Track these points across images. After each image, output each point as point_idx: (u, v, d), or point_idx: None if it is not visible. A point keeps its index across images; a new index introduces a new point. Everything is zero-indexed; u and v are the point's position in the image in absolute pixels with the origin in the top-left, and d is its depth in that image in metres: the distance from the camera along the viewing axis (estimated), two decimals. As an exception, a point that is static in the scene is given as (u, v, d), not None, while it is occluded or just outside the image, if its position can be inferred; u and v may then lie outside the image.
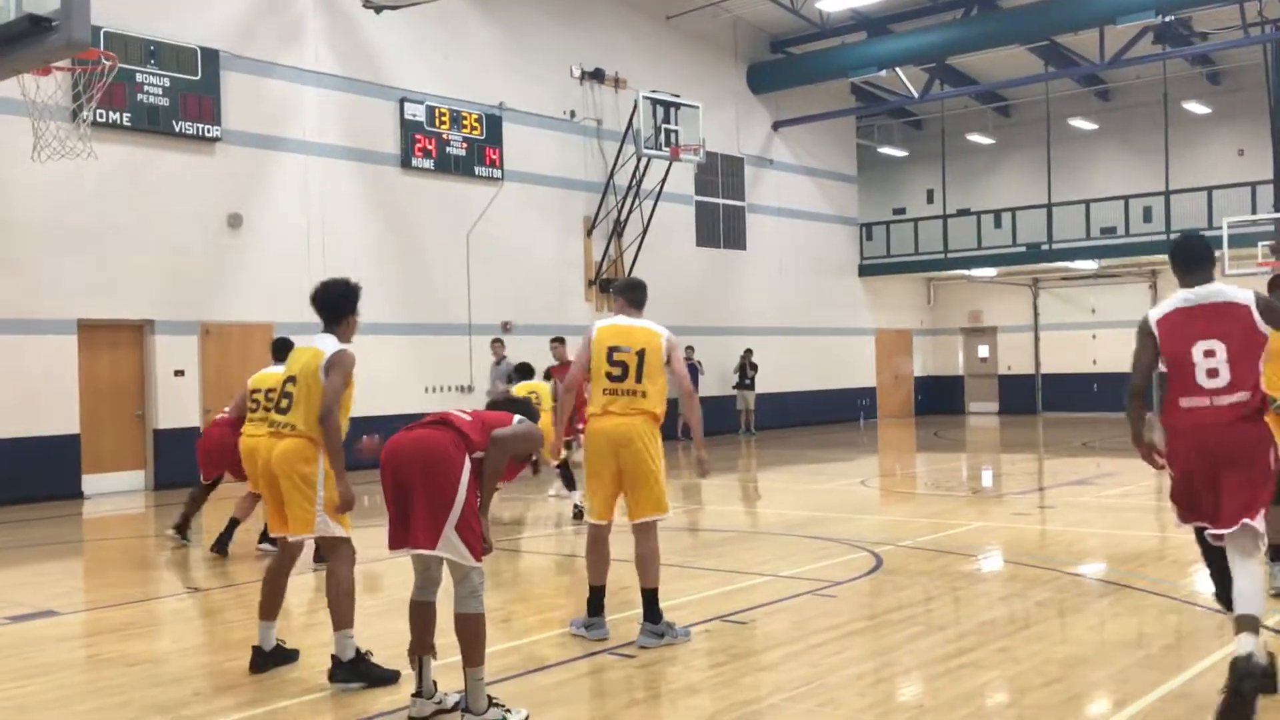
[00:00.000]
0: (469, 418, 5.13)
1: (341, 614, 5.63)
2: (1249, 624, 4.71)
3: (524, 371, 12.45)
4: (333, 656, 5.63)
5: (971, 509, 12.54)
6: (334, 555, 5.79)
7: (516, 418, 5.27)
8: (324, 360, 5.69)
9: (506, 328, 19.70)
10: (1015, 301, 31.18)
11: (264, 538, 9.47)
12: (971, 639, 6.30)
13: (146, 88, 15.65)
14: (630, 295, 6.63)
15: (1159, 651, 6.02)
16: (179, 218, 16.12)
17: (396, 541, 4.98)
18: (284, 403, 5.83)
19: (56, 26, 5.65)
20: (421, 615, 5.11)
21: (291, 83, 17.55)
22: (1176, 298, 5.19)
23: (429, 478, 4.86)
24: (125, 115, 15.39)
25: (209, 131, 16.31)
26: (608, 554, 6.52)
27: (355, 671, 5.59)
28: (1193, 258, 5.21)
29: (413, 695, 5.08)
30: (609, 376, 6.31)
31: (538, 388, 11.56)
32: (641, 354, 6.32)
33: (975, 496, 13.99)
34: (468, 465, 4.93)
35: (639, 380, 6.29)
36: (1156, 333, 5.16)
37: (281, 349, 8.67)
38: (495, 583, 8.20)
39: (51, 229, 14.88)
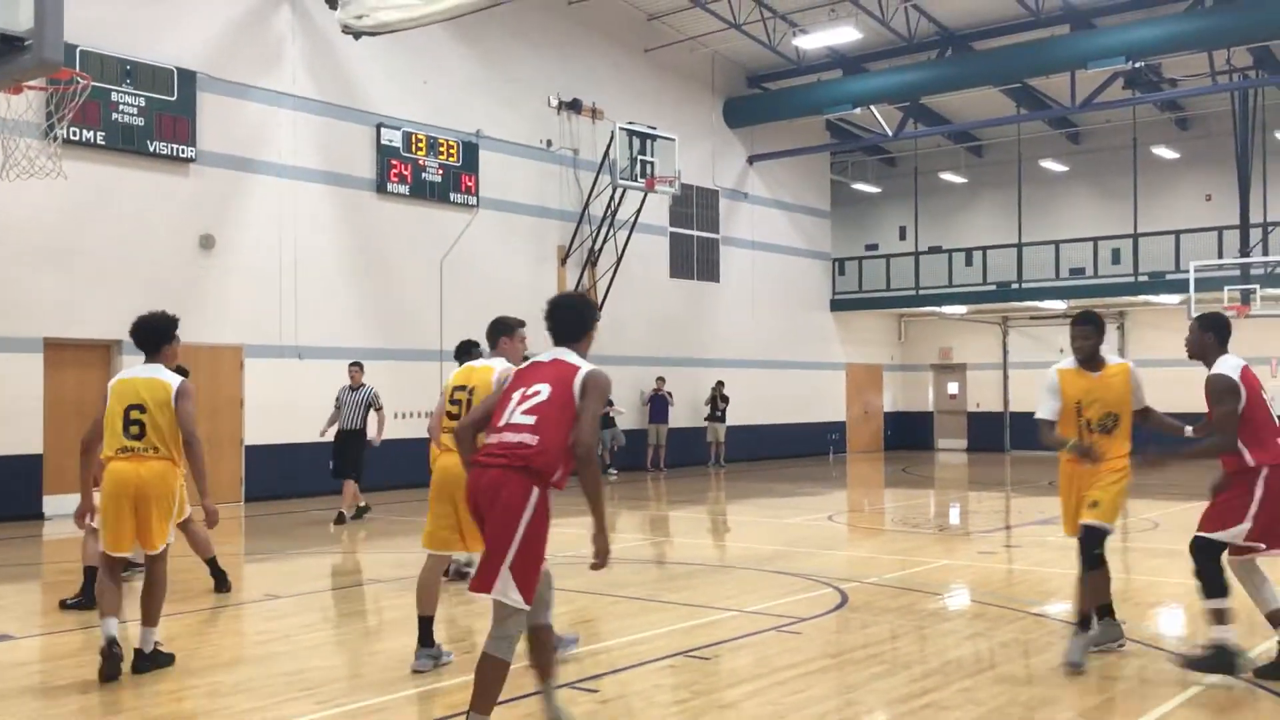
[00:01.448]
0: (536, 443, 4.65)
1: (157, 613, 6.48)
2: None
3: (463, 355, 9.41)
4: (137, 650, 6.38)
5: (938, 546, 12.57)
6: (162, 562, 6.55)
7: (577, 380, 4.77)
8: (174, 391, 6.47)
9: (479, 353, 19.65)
10: (985, 339, 31.43)
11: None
12: (935, 679, 6.30)
13: (121, 107, 15.58)
14: (489, 339, 6.91)
15: (1120, 695, 6.04)
16: (151, 238, 16.01)
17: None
18: (134, 429, 6.41)
19: (29, 46, 5.59)
20: (535, 644, 4.95)
21: (268, 105, 17.52)
22: (1237, 357, 6.41)
23: (495, 520, 4.65)
24: (99, 134, 15.31)
25: (183, 152, 16.25)
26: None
27: (155, 661, 6.43)
28: (1230, 330, 6.55)
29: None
30: (449, 415, 6.63)
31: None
32: (472, 392, 6.58)
33: (942, 534, 14.02)
34: (534, 499, 4.62)
35: None
36: (1244, 387, 6.26)
37: None
38: (466, 613, 8.14)
39: (20, 246, 14.75)
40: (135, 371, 6.63)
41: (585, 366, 4.86)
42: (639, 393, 23.63)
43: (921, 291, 29.82)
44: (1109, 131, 29.47)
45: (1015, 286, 28.30)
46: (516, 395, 4.82)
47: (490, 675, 4.65)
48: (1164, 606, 8.81)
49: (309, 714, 5.65)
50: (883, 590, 9.20)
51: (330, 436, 14.59)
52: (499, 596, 4.60)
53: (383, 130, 18.98)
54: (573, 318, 5.07)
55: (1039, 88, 26.45)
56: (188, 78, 16.34)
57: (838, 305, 30.33)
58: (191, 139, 16.36)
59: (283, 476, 17.04)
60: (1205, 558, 6.29)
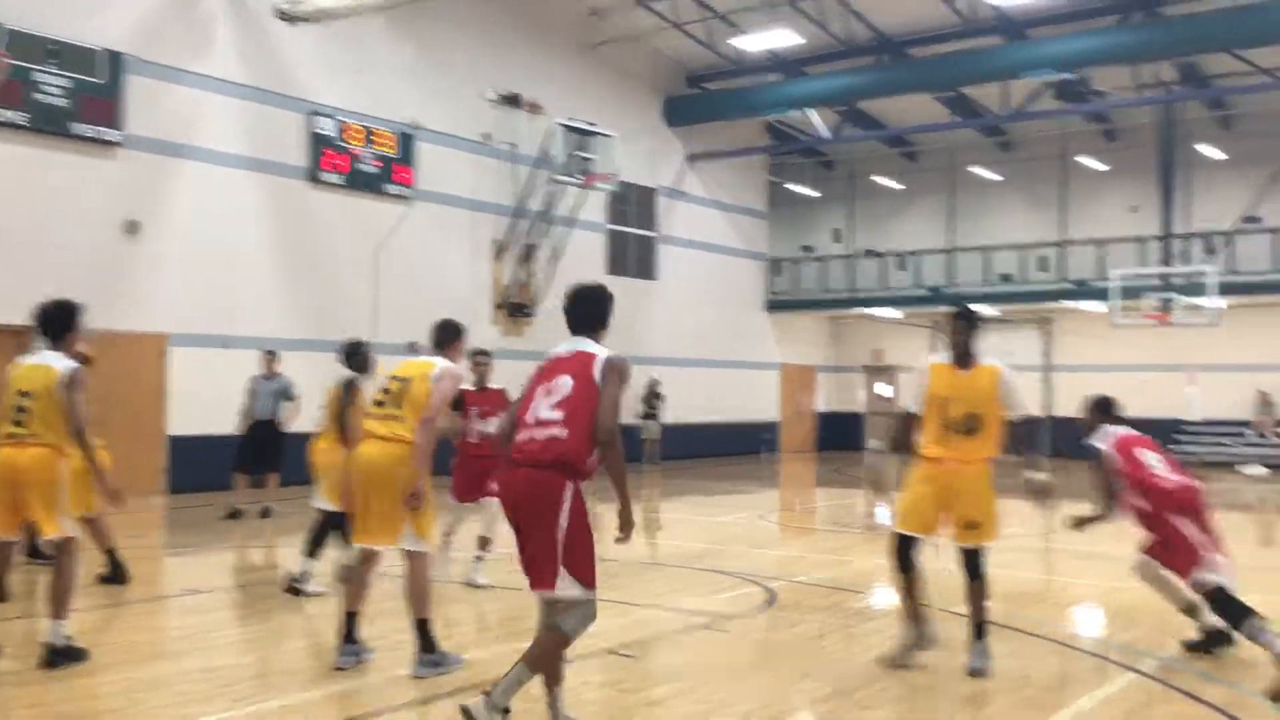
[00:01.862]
0: (567, 436, 4.78)
1: (65, 606, 6.24)
2: None
3: (354, 355, 9.37)
4: (48, 645, 6.17)
5: (867, 546, 12.70)
6: (68, 552, 6.34)
7: (597, 364, 4.88)
8: (60, 378, 6.31)
9: (414, 348, 19.41)
10: (916, 342, 31.80)
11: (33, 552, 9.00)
12: (860, 678, 6.36)
13: (45, 87, 15.16)
14: (438, 339, 6.87)
15: (1038, 692, 6.15)
16: (74, 222, 15.59)
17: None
18: (19, 415, 6.31)
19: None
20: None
21: (198, 89, 17.16)
22: (1117, 428, 7.12)
23: (535, 520, 4.77)
24: (21, 114, 14.89)
25: (109, 135, 15.86)
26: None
27: (67, 656, 6.20)
28: (1113, 406, 7.26)
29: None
30: (376, 403, 6.52)
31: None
32: (407, 382, 6.41)
33: (871, 533, 14.17)
34: (568, 495, 4.79)
35: (399, 406, 6.34)
36: (1117, 455, 6.95)
37: None
38: (394, 608, 8.04)
39: (-65, 227, 14.30)
40: (32, 357, 6.55)
41: (604, 352, 4.99)
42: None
43: (855, 294, 30.13)
44: (1039, 141, 30.02)
45: (946, 291, 28.71)
46: (540, 391, 4.93)
47: (551, 646, 4.91)
48: (1079, 606, 9.00)
49: (225, 711, 5.54)
50: (811, 589, 9.28)
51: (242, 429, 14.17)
52: (562, 593, 4.80)
53: (316, 118, 18.70)
54: (592, 308, 5.17)
55: (972, 96, 26.86)
56: (116, 59, 15.95)
57: (773, 306, 30.53)
58: (118, 122, 15.97)
59: (208, 468, 16.68)
60: (1222, 603, 6.37)
